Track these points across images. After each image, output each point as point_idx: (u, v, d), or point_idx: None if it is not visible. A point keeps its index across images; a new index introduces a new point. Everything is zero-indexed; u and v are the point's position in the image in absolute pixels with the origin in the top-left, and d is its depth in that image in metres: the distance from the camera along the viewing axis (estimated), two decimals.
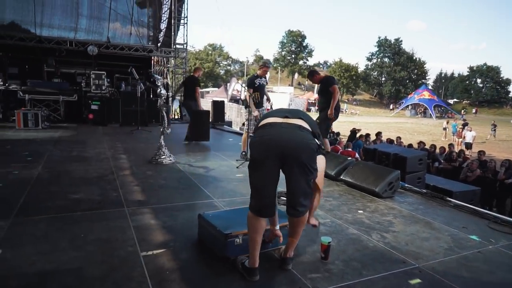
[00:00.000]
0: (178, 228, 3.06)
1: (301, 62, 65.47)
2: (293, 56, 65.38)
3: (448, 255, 2.79)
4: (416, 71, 59.98)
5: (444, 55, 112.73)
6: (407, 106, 49.36)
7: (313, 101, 46.49)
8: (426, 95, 47.80)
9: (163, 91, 5.77)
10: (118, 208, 3.49)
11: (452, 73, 69.09)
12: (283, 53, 66.21)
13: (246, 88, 5.89)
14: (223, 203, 3.78)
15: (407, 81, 58.58)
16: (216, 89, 45.26)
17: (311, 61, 68.62)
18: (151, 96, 11.68)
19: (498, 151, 18.04)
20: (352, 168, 4.84)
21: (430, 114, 44.48)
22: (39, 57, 11.21)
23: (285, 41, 66.32)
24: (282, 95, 40.32)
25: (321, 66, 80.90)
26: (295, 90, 54.36)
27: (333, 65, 63.06)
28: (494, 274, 2.54)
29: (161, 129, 5.70)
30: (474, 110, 41.64)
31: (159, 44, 13.02)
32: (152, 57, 13.92)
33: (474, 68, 59.57)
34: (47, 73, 11.25)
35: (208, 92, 42.08)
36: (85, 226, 3.02)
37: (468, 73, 61.14)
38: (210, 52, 64.03)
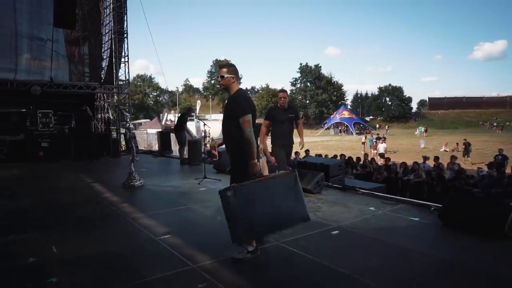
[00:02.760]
0: (173, 223, 4.23)
1: None
2: None
3: (355, 218, 4.38)
4: (335, 93, 66.19)
5: (359, 77, 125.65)
6: (331, 125, 54.18)
7: None
8: (346, 114, 53.14)
9: (131, 125, 6.82)
10: (120, 217, 4.52)
11: (367, 93, 77.40)
12: (212, 81, 68.45)
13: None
14: (198, 207, 5.00)
15: (329, 103, 64.30)
16: (148, 120, 45.21)
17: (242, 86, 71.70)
18: (99, 130, 12.26)
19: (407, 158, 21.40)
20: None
21: (351, 131, 49.45)
22: None
23: (213, 70, 68.78)
24: (215, 122, 41.80)
25: (249, 92, 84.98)
26: None
27: (260, 91, 66.87)
28: (380, 224, 4.16)
29: (131, 158, 6.70)
30: (386, 128, 47.48)
31: (102, 81, 13.69)
32: (95, 94, 14.44)
33: (382, 88, 67.79)
34: None
35: (140, 123, 41.87)
36: (101, 230, 4.03)
37: (378, 93, 69.25)
38: (139, 83, 63.69)
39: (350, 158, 12.50)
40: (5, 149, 10.44)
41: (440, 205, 4.37)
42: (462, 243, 3.58)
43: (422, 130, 42.77)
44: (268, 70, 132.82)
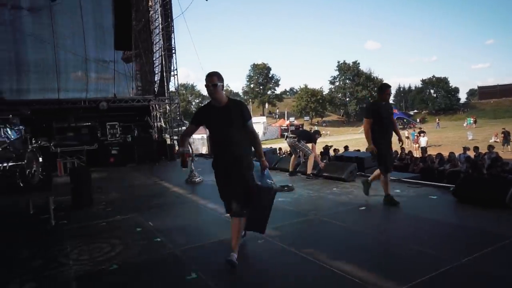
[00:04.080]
0: None
1: (269, 92, 69.49)
2: (261, 87, 69.38)
3: (382, 198, 5.26)
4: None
5: (401, 70, 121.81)
6: None
7: (286, 127, 49.75)
8: None
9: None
10: (190, 203, 5.75)
11: (410, 86, 75.14)
12: (251, 85, 70.16)
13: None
14: None
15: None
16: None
17: (278, 90, 72.90)
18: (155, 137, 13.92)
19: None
20: (326, 167, 7.32)
21: None
22: (62, 116, 13.26)
23: (252, 74, 70.51)
24: (256, 125, 43.19)
25: (288, 93, 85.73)
26: (267, 119, 57.58)
27: (299, 91, 67.44)
28: (402, 200, 5.01)
29: (190, 158, 7.99)
30: (437, 121, 46.01)
31: (155, 94, 15.41)
32: (150, 105, 16.22)
33: (426, 80, 65.54)
34: (67, 128, 13.29)
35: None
36: (177, 211, 5.27)
37: (421, 85, 67.03)
38: (182, 91, 66.94)
39: None
40: (83, 157, 12.33)
41: None
42: (469, 212, 4.35)
43: (471, 121, 40.98)
44: (305, 70, 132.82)
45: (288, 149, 9.45)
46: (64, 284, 3.00)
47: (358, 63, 66.17)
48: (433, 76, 63.64)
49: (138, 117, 15.43)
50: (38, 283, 3.04)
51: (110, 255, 3.58)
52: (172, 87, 16.00)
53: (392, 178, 6.78)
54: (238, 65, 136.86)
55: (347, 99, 66.72)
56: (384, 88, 4.98)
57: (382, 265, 2.98)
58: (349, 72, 65.73)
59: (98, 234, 4.36)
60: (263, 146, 11.11)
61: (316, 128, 48.85)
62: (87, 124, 13.51)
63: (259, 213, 3.36)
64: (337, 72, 67.70)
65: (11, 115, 5.74)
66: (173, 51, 15.85)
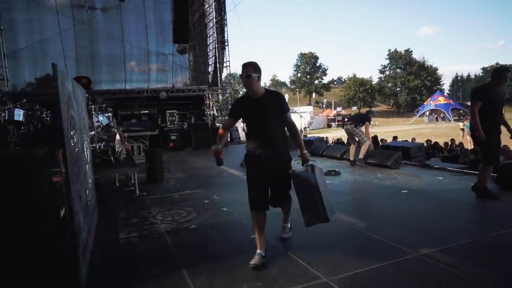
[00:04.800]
0: None
1: (316, 82, 68.93)
2: (308, 77, 68.98)
3: (423, 183, 5.66)
4: (429, 78, 62.00)
5: (459, 57, 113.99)
6: (425, 113, 51.27)
7: (333, 117, 49.36)
8: (441, 100, 49.69)
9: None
10: None
11: (468, 75, 70.66)
12: (298, 75, 70.01)
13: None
14: None
15: (422, 89, 60.60)
16: None
17: (325, 79, 72.03)
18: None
19: None
20: (371, 156, 7.74)
21: (449, 118, 46.27)
22: (127, 104, 14.75)
23: (299, 63, 70.27)
24: (303, 115, 43.40)
25: (335, 83, 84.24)
26: (314, 108, 57.36)
27: (347, 81, 66.14)
28: (442, 186, 5.38)
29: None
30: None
31: (209, 84, 16.46)
32: (204, 95, 17.32)
33: (488, 68, 61.17)
34: (131, 116, 14.75)
35: None
36: (237, 188, 6.05)
37: (482, 74, 62.74)
38: (230, 81, 68.61)
39: (436, 142, 12.99)
40: (146, 142, 13.69)
41: None
42: (508, 198, 4.66)
43: None
44: (354, 59, 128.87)
45: (346, 137, 9.51)
46: (159, 235, 3.89)
47: (411, 51, 63.39)
48: (497, 63, 59.17)
49: (192, 106, 16.60)
50: (139, 234, 3.97)
51: (188, 218, 4.45)
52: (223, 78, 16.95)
53: (436, 167, 7.09)
54: (285, 54, 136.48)
55: (397, 89, 64.34)
56: (502, 71, 4.50)
57: (417, 234, 3.50)
58: (401, 61, 63.18)
59: (174, 203, 5.28)
60: (310, 135, 11.74)
61: None
62: (147, 112, 14.88)
63: (308, 202, 2.98)
64: (388, 61, 65.36)
65: (104, 104, 6.87)
66: (226, 43, 16.72)
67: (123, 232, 4.04)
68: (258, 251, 3.00)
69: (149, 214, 4.74)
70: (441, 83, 64.47)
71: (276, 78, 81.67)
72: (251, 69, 2.92)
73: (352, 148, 7.85)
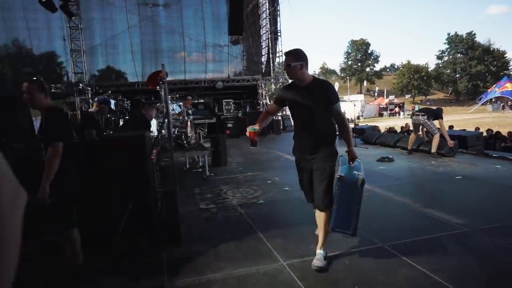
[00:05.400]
0: None
1: (367, 69, 66.77)
2: (359, 64, 67.02)
3: (478, 171, 5.79)
4: (495, 62, 57.34)
5: None
6: (489, 101, 47.76)
7: (385, 106, 47.77)
8: (509, 87, 45.84)
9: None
10: None
11: None
12: (349, 62, 68.24)
13: None
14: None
15: (486, 75, 56.30)
16: None
17: (377, 67, 69.49)
18: None
19: None
20: (425, 143, 7.85)
21: None
22: (185, 94, 15.83)
23: (349, 50, 68.41)
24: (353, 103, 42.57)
25: (388, 70, 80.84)
26: (365, 97, 55.79)
27: (401, 68, 63.24)
28: (497, 174, 5.49)
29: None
30: None
31: (262, 74, 17.06)
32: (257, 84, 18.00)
33: None
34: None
35: None
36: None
37: None
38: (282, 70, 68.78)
39: (498, 132, 12.51)
40: (204, 129, 14.66)
41: None
42: None
43: None
44: (408, 46, 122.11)
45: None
46: (232, 207, 4.57)
47: (474, 34, 58.85)
48: None
49: (246, 95, 17.35)
50: (216, 206, 4.68)
51: (255, 195, 5.09)
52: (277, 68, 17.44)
53: (495, 155, 7.07)
54: (336, 41, 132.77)
55: (457, 76, 60.32)
56: None
57: (470, 214, 3.81)
58: (462, 45, 58.97)
59: (240, 183, 5.96)
60: (362, 124, 11.77)
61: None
62: (203, 101, 15.85)
63: (345, 210, 2.82)
64: (446, 46, 61.35)
65: (177, 95, 7.74)
66: (279, 33, 17.13)
67: (202, 204, 4.78)
68: (318, 250, 2.86)
69: (220, 191, 5.46)
70: (509, 67, 59.33)
71: (326, 66, 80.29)
72: (292, 58, 2.74)
73: (412, 138, 7.90)
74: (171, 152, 3.53)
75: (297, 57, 2.76)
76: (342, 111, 3.00)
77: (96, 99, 4.83)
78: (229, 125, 14.22)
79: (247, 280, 2.68)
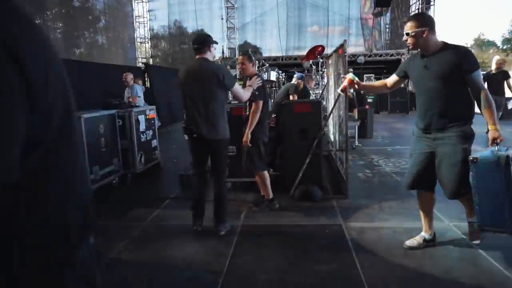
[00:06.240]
0: None
1: None
2: None
3: None
4: None
5: None
6: None
7: None
8: None
9: None
10: None
11: None
12: None
13: None
14: None
15: None
16: None
17: None
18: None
19: None
20: None
21: None
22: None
23: None
24: None
25: None
26: None
27: None
28: None
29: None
30: None
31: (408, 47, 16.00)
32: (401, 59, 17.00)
33: None
34: None
35: None
36: None
37: None
38: None
39: None
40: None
41: None
42: None
43: None
44: None
45: None
46: (386, 174, 4.89)
47: None
48: None
49: (387, 70, 16.60)
50: (371, 172, 5.06)
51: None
52: None
53: None
54: (500, 5, 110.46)
55: None
56: None
57: None
58: None
59: (389, 154, 6.17)
60: None
61: None
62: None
63: (491, 201, 2.26)
64: None
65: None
66: (432, 2, 15.61)
67: (359, 171, 5.21)
68: (422, 233, 2.80)
69: (371, 159, 5.80)
70: None
71: (483, 37, 68.30)
72: (411, 25, 2.43)
73: None
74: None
75: (417, 23, 2.43)
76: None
77: (295, 75, 5.67)
78: (369, 100, 14.03)
79: (413, 232, 3.02)
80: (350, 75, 2.81)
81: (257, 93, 3.46)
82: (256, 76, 3.52)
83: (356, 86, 2.81)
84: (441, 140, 2.44)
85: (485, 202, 2.28)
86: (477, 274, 2.38)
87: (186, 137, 3.19)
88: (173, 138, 8.73)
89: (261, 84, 3.50)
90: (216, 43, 3.30)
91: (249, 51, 3.73)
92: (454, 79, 2.37)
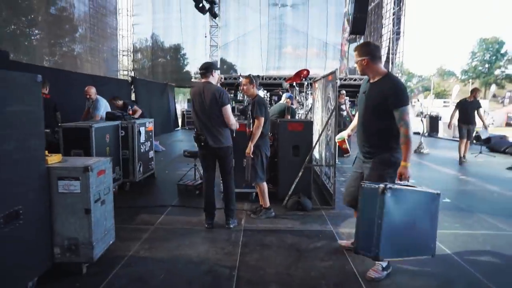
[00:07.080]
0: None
1: (497, 72, 58.82)
2: (486, 66, 59.48)
3: None
4: None
5: None
6: None
7: None
8: None
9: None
10: None
11: None
12: (473, 63, 61.09)
13: None
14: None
15: None
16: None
17: (510, 69, 60.57)
18: None
19: None
20: None
21: None
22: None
23: (476, 50, 61.10)
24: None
25: None
26: (490, 103, 49.50)
27: None
28: None
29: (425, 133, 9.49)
30: None
31: None
32: None
33: None
34: None
35: None
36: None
37: None
38: (401, 70, 65.47)
39: None
40: None
41: None
42: None
43: None
44: None
45: None
46: None
47: None
48: None
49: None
50: None
51: None
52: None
53: None
54: (460, 40, 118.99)
55: None
56: None
57: None
58: None
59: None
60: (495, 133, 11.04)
61: None
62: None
63: (366, 226, 2.44)
64: None
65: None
66: (402, 34, 16.93)
67: (341, 186, 5.72)
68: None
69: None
70: None
71: (444, 67, 73.12)
72: (357, 53, 2.69)
73: None
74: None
75: (360, 52, 2.67)
76: (411, 117, 2.61)
77: (284, 95, 6.20)
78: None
79: None
80: (337, 139, 3.25)
81: (259, 110, 3.91)
82: (255, 96, 4.02)
83: (348, 136, 3.22)
84: (367, 164, 2.72)
85: (361, 226, 2.49)
86: (448, 271, 2.88)
87: (196, 145, 3.72)
88: (160, 150, 8.95)
89: (262, 103, 3.98)
90: (218, 69, 3.98)
91: (250, 75, 4.18)
92: (381, 110, 2.55)
